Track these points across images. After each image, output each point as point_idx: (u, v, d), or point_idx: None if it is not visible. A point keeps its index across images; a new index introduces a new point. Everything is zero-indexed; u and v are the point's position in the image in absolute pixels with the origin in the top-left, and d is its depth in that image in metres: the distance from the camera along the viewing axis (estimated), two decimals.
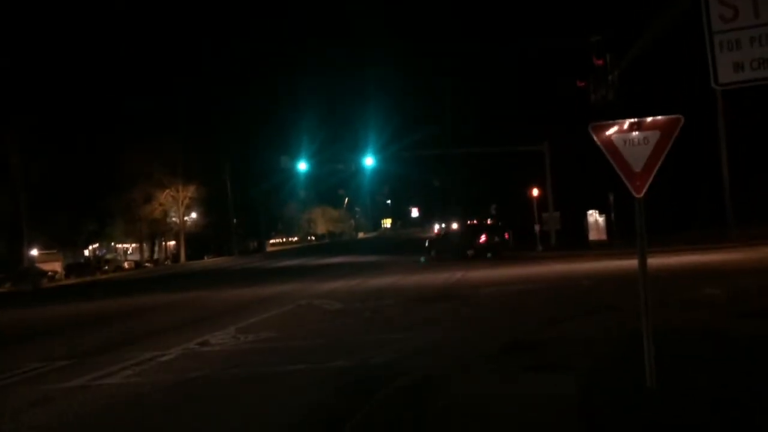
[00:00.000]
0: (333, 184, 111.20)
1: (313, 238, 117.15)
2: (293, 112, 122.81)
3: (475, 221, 49.47)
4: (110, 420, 7.24)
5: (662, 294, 11.68)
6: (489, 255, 33.66)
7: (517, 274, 22.09)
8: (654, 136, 6.02)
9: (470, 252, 34.47)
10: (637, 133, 6.04)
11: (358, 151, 40.38)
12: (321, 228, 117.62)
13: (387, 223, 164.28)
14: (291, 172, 41.63)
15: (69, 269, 62.59)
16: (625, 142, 6.08)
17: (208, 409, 7.39)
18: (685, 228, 30.83)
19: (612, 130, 6.12)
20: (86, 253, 72.95)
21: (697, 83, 28.49)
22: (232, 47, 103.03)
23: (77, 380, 9.25)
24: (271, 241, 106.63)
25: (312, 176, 62.08)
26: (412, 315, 13.59)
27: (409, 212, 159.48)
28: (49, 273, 58.46)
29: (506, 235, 39.33)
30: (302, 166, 38.28)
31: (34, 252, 60.31)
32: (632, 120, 6.10)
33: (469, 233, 38.53)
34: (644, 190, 6.00)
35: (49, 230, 60.65)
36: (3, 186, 54.71)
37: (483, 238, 35.92)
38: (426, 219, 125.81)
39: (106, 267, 61.15)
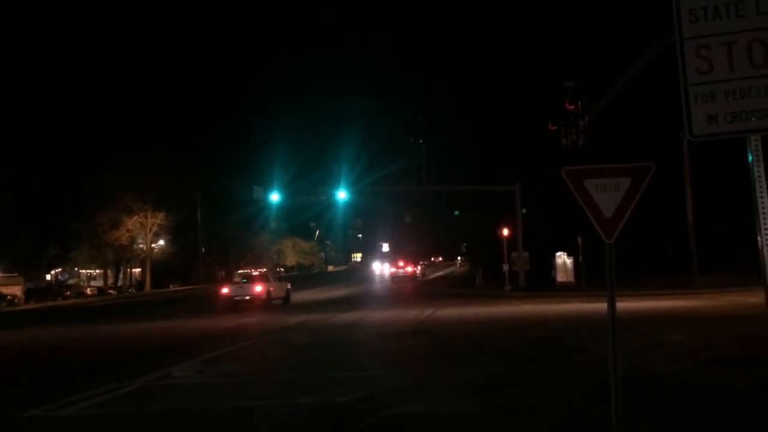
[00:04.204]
0: (305, 216, 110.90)
1: (282, 270, 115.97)
2: (268, 144, 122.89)
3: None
4: None
5: (629, 338, 11.76)
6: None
7: (486, 312, 22.07)
8: (625, 183, 6.08)
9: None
10: (608, 179, 6.12)
11: (331, 184, 40.44)
12: (290, 260, 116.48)
13: (358, 257, 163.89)
14: (263, 203, 41.41)
15: (29, 294, 60.93)
16: (596, 187, 6.14)
17: None
18: (652, 274, 31.20)
19: (584, 176, 6.19)
20: (48, 277, 71.25)
21: (665, 131, 29.24)
22: (206, 75, 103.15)
23: (32, 410, 8.93)
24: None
25: (284, 208, 61.84)
26: (381, 352, 13.45)
27: (380, 247, 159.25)
28: (9, 297, 56.79)
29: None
30: (275, 197, 38.19)
31: None
32: (604, 166, 6.19)
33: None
34: (615, 236, 6.06)
35: (11, 253, 59.20)
36: None
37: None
38: (396, 254, 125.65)
39: (68, 293, 59.66)
